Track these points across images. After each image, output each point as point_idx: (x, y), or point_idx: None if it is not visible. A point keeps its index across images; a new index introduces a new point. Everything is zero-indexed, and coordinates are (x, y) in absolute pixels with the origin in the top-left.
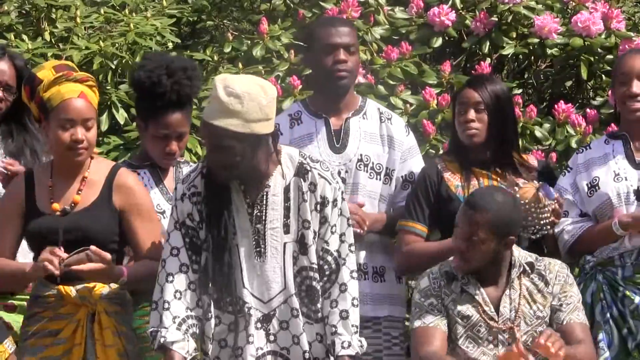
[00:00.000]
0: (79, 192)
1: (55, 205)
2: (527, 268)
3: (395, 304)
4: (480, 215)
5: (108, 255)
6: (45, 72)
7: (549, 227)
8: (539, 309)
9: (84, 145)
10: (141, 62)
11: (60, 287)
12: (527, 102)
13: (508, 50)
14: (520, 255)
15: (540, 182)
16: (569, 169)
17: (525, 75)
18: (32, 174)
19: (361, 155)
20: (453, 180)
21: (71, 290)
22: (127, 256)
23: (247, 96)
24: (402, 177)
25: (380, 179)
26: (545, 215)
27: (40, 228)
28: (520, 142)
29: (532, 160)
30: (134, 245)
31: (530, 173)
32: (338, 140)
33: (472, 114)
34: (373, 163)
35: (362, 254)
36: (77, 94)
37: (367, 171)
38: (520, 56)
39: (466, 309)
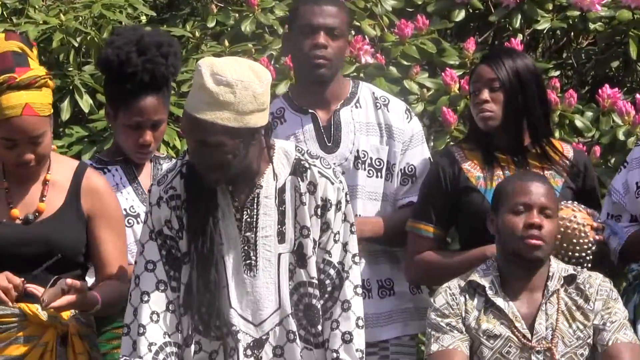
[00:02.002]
0: (43, 198)
1: (15, 212)
2: (567, 281)
3: (408, 319)
4: (550, 187)
5: (84, 285)
6: None
7: (591, 252)
8: (579, 328)
9: (32, 163)
10: (109, 38)
11: (23, 305)
12: (566, 86)
13: (543, 25)
14: (559, 267)
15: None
16: (625, 164)
17: (564, 55)
18: None
19: (358, 151)
20: (473, 171)
21: (37, 309)
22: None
23: (239, 84)
24: (400, 170)
25: (381, 176)
26: (586, 240)
27: None
28: (557, 133)
29: (567, 149)
30: (98, 260)
31: (562, 164)
32: (329, 138)
33: (485, 93)
34: (371, 159)
35: (362, 267)
36: (21, 110)
37: (365, 169)
38: (558, 32)
39: (493, 326)
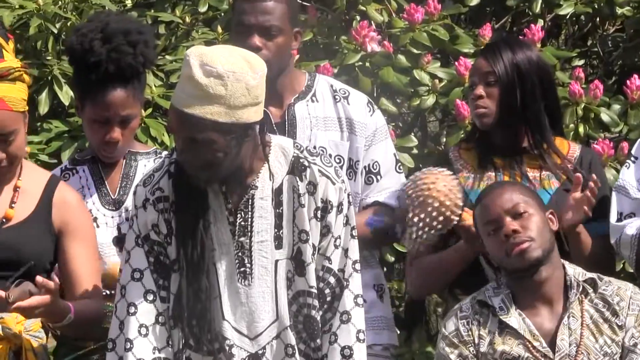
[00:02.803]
0: (12, 204)
1: None
2: (588, 287)
3: (379, 328)
4: (508, 188)
5: (56, 285)
6: None
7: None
8: (606, 343)
9: (3, 163)
10: (77, 24)
11: None
12: (591, 76)
13: (566, 10)
14: (575, 272)
15: None
16: (632, 158)
17: (589, 42)
18: None
19: (315, 147)
20: (464, 171)
21: None
22: None
23: (231, 76)
24: (364, 167)
25: None
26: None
27: None
28: (582, 128)
29: (574, 148)
30: (68, 277)
31: (561, 166)
32: (283, 134)
33: (480, 89)
34: (331, 155)
35: None
36: None
37: None
38: (582, 17)
39: (510, 348)
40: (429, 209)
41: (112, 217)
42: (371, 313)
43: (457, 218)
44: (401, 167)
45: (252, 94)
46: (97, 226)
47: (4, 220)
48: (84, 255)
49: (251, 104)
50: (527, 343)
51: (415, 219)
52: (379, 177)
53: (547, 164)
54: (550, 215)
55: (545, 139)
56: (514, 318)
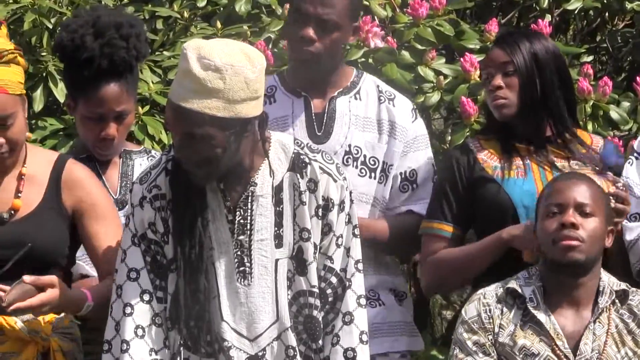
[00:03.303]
0: (19, 194)
1: None
2: (619, 298)
3: (398, 334)
4: (590, 185)
5: (51, 279)
6: None
7: None
8: (627, 354)
9: (3, 149)
10: (66, 20)
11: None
12: (600, 73)
13: (574, 4)
14: (610, 281)
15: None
16: (636, 154)
17: (598, 38)
18: None
19: (349, 146)
20: (490, 161)
21: (15, 322)
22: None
23: (229, 69)
24: (400, 174)
25: (374, 177)
26: None
27: None
28: (591, 126)
29: (597, 140)
30: (94, 257)
31: (589, 155)
32: (320, 127)
33: (498, 79)
34: (365, 156)
35: None
36: None
37: (356, 167)
38: (591, 12)
39: (531, 343)
40: None
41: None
42: (389, 318)
43: None
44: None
45: (251, 87)
46: None
47: (12, 212)
48: (106, 231)
49: (250, 98)
50: (550, 341)
51: None
52: (415, 185)
53: (574, 154)
54: (611, 231)
55: (567, 129)
56: (542, 313)
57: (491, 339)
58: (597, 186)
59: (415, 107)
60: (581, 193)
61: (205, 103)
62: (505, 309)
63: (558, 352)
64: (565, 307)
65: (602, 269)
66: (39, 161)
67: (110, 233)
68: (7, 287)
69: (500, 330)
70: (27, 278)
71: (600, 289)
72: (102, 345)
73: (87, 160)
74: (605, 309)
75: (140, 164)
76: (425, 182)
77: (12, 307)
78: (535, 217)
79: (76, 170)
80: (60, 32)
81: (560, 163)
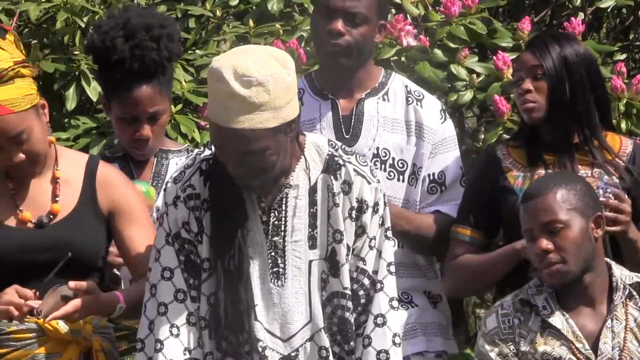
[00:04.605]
0: (56, 198)
1: (27, 215)
2: (634, 291)
3: (432, 335)
4: (548, 196)
5: (92, 285)
6: None
7: None
8: None
9: (24, 162)
10: (98, 20)
11: (41, 319)
12: (634, 71)
13: (607, 2)
14: (622, 274)
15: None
16: None
17: (631, 36)
18: None
19: (377, 148)
20: (513, 170)
21: (57, 323)
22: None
23: (271, 80)
24: (428, 176)
25: (403, 180)
26: None
27: (7, 248)
28: (624, 124)
29: (627, 144)
30: (129, 259)
31: (614, 163)
32: (348, 129)
33: (528, 83)
34: (394, 159)
35: None
36: None
37: (385, 170)
38: (624, 10)
39: (552, 348)
40: None
41: None
42: (423, 319)
43: None
44: (466, 181)
45: (291, 90)
46: None
47: (51, 216)
48: (139, 233)
49: (291, 100)
50: (570, 344)
51: None
52: (443, 187)
53: (597, 160)
54: (596, 220)
55: (595, 135)
56: (557, 318)
57: (513, 349)
58: (560, 186)
59: (444, 107)
60: (545, 211)
61: (256, 118)
62: (523, 318)
63: (579, 354)
64: (582, 307)
65: (613, 263)
66: (70, 163)
67: (144, 235)
68: (38, 302)
69: (521, 339)
70: (71, 284)
71: (614, 284)
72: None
73: (122, 159)
74: (622, 304)
75: (177, 163)
76: (454, 184)
77: (49, 318)
78: None
79: (109, 172)
80: (92, 34)
81: (583, 171)
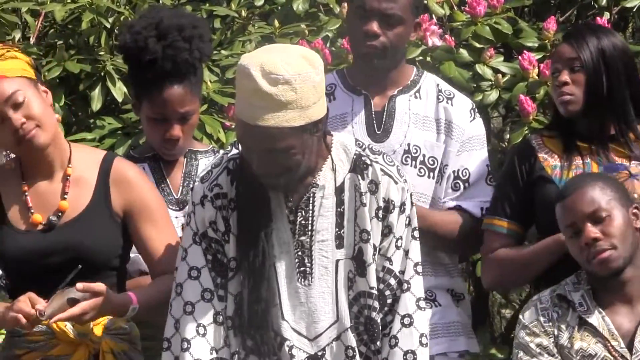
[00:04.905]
0: (65, 195)
1: (37, 217)
2: None
3: (455, 335)
4: (587, 188)
5: (101, 287)
6: None
7: None
8: None
9: (29, 126)
10: (130, 21)
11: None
12: None
13: (633, 2)
14: None
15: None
16: None
17: None
18: None
19: (409, 145)
20: (550, 160)
21: (65, 326)
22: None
23: (298, 79)
24: (453, 172)
25: (432, 177)
26: None
27: (18, 252)
28: None
29: None
30: (147, 258)
31: None
32: (380, 125)
33: (565, 75)
34: (424, 156)
35: None
36: None
37: (416, 166)
38: None
39: (588, 345)
40: None
41: (177, 217)
42: (446, 318)
43: None
44: (492, 180)
45: (318, 89)
46: None
47: (59, 214)
48: (157, 232)
49: (318, 99)
50: (606, 342)
51: None
52: (466, 184)
53: (634, 153)
54: (635, 210)
55: (631, 128)
56: (593, 315)
57: (553, 342)
58: (599, 179)
59: (475, 106)
60: (588, 202)
61: (282, 117)
62: (561, 312)
63: (614, 352)
64: (618, 305)
65: None
66: (84, 161)
67: (163, 234)
68: (44, 303)
69: (560, 333)
70: (79, 286)
71: None
72: (160, 341)
73: (152, 159)
74: None
75: (205, 164)
76: (478, 182)
77: (52, 320)
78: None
79: (125, 169)
80: (124, 34)
81: (619, 162)
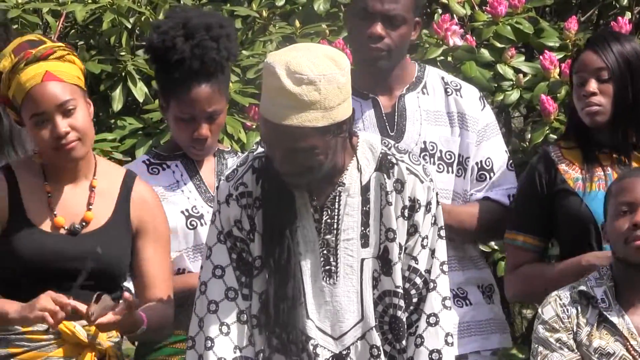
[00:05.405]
0: (90, 206)
1: (60, 220)
2: None
3: (488, 332)
4: None
5: (137, 302)
6: (4, 61)
7: None
8: None
9: (71, 137)
10: (157, 21)
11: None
12: None
13: None
14: None
15: None
16: None
17: None
18: (12, 171)
19: (425, 142)
20: (571, 172)
21: (75, 327)
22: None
23: (322, 79)
24: (477, 164)
25: (452, 171)
26: None
27: (38, 252)
28: None
29: None
30: (142, 279)
31: None
32: (392, 126)
33: (592, 84)
34: (441, 152)
35: None
36: (41, 77)
37: (434, 163)
38: None
39: (606, 343)
40: None
41: None
42: (479, 317)
43: None
44: (512, 165)
45: (343, 91)
46: (203, 224)
47: (83, 223)
48: (159, 257)
49: (343, 101)
50: (625, 341)
51: None
52: (492, 174)
53: None
54: None
55: None
56: (614, 313)
57: (571, 337)
58: None
59: (482, 94)
60: None
61: (305, 117)
62: (580, 309)
63: (633, 352)
64: (638, 305)
65: None
66: (108, 174)
67: (162, 261)
68: (82, 305)
69: (578, 329)
70: (127, 295)
71: None
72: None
73: (184, 157)
74: None
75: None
76: (501, 169)
77: (97, 322)
78: (604, 214)
79: (145, 190)
80: (151, 34)
81: None
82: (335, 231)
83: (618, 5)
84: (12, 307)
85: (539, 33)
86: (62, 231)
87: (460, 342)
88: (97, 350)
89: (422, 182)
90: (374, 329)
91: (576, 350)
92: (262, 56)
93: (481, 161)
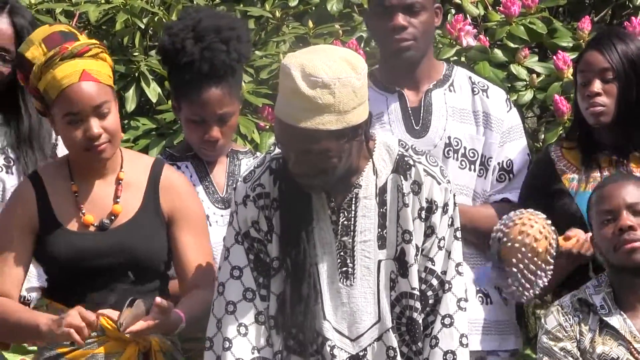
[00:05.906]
0: (117, 199)
1: (89, 218)
2: None
3: (506, 333)
4: (629, 182)
5: (171, 305)
6: (34, 50)
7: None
8: None
9: (103, 139)
10: (169, 22)
11: (102, 320)
12: None
13: None
14: None
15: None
16: None
17: None
18: (39, 176)
19: (449, 138)
20: (568, 172)
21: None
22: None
23: (337, 83)
24: (498, 164)
25: (474, 170)
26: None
27: (72, 253)
28: None
29: None
30: (181, 267)
31: None
32: (417, 121)
33: (597, 84)
34: (465, 148)
35: None
36: (78, 76)
37: (457, 159)
38: None
39: (610, 348)
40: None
41: (222, 215)
42: (499, 316)
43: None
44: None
45: (359, 95)
46: (209, 224)
47: (112, 217)
48: (195, 242)
49: (359, 105)
50: (628, 344)
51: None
52: (511, 175)
53: None
54: None
55: None
56: (615, 318)
57: (575, 345)
58: (635, 179)
59: (508, 96)
60: (630, 193)
61: (319, 119)
62: (582, 317)
63: (636, 355)
64: (639, 307)
65: None
66: (135, 166)
67: (200, 246)
68: (114, 312)
69: (581, 337)
70: (158, 300)
71: None
72: (201, 341)
73: (194, 158)
74: None
75: (247, 164)
76: (521, 172)
77: (127, 330)
78: (589, 225)
79: (173, 176)
80: (162, 35)
81: (638, 172)
82: (352, 233)
83: (631, 6)
84: (42, 320)
85: (552, 33)
86: (92, 228)
87: (479, 338)
88: (140, 345)
89: (439, 183)
90: (390, 330)
91: (580, 358)
92: (275, 56)
93: (502, 162)
